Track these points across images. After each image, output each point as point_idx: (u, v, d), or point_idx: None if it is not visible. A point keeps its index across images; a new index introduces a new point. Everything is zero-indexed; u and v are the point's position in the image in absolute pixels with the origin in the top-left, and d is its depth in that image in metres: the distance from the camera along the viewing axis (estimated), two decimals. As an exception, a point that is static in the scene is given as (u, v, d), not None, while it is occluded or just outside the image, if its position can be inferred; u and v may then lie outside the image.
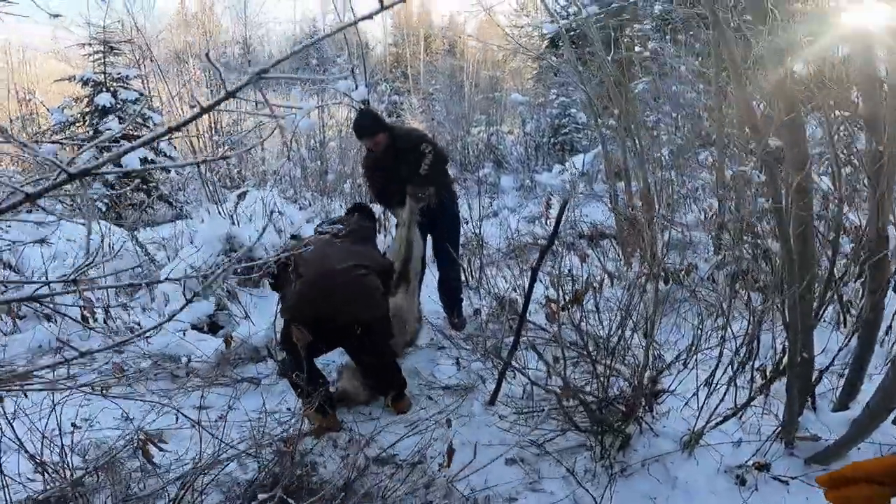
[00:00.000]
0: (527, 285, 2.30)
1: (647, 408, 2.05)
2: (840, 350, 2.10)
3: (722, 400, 2.03)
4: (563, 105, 9.94)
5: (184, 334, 3.08)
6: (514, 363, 2.20)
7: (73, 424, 2.23)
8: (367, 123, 3.21)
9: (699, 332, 2.17)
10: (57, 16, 1.39)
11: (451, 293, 3.46)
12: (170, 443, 1.96)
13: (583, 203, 6.91)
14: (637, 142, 4.58)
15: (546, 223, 6.03)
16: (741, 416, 2.13)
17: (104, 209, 7.77)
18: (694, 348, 2.20)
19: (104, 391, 1.53)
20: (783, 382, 2.01)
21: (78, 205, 7.52)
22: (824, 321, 3.01)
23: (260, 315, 3.39)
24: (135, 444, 1.76)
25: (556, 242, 4.98)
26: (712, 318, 2.58)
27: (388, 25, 29.73)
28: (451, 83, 14.32)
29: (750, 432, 2.11)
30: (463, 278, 3.87)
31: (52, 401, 1.69)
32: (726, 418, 2.00)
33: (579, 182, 7.94)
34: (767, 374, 2.09)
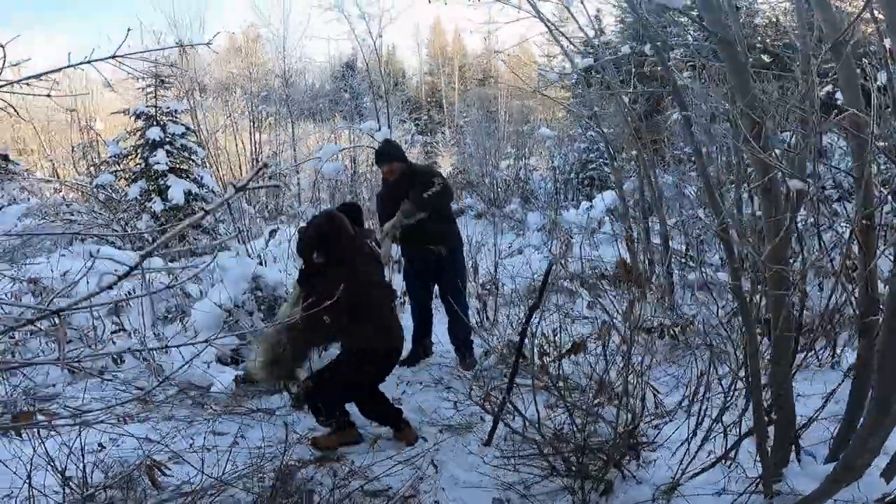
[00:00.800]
0: (536, 329, 2.43)
1: (631, 456, 2.11)
2: (823, 406, 2.12)
3: (699, 449, 2.07)
4: (591, 139, 10.03)
5: (208, 366, 3.32)
6: (505, 408, 2.31)
7: (100, 444, 2.47)
8: (386, 150, 3.54)
9: (699, 380, 2.24)
10: (70, 109, 1.62)
11: (461, 338, 3.57)
12: (185, 464, 2.15)
13: (606, 242, 6.94)
14: (654, 181, 4.64)
15: (566, 263, 6.08)
16: (730, 466, 2.17)
17: (151, 240, 8.30)
18: (692, 397, 2.26)
19: (126, 421, 1.72)
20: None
21: (128, 235, 8.07)
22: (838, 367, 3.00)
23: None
24: (142, 469, 1.94)
25: (576, 282, 5.09)
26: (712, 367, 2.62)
27: (424, 55, 30.61)
28: (481, 116, 14.62)
29: (737, 482, 2.14)
30: (477, 319, 3.98)
31: (79, 432, 1.89)
32: (704, 469, 2.03)
33: (605, 220, 7.97)
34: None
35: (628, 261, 4.10)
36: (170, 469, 2.09)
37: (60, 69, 1.52)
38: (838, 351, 3.11)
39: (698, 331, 3.15)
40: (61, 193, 11.19)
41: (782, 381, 1.83)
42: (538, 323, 2.46)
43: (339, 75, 18.71)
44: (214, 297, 3.59)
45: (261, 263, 4.02)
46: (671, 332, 3.08)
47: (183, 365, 1.51)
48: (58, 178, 12.90)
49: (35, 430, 1.98)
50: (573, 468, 2.01)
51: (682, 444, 2.17)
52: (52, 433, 2.09)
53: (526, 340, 2.38)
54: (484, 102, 18.01)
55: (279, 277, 3.84)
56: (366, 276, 2.66)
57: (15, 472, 1.91)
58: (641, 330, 2.27)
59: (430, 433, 2.79)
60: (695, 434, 2.17)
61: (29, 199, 10.74)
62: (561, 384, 2.09)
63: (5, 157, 12.49)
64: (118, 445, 2.58)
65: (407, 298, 4.06)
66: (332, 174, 4.78)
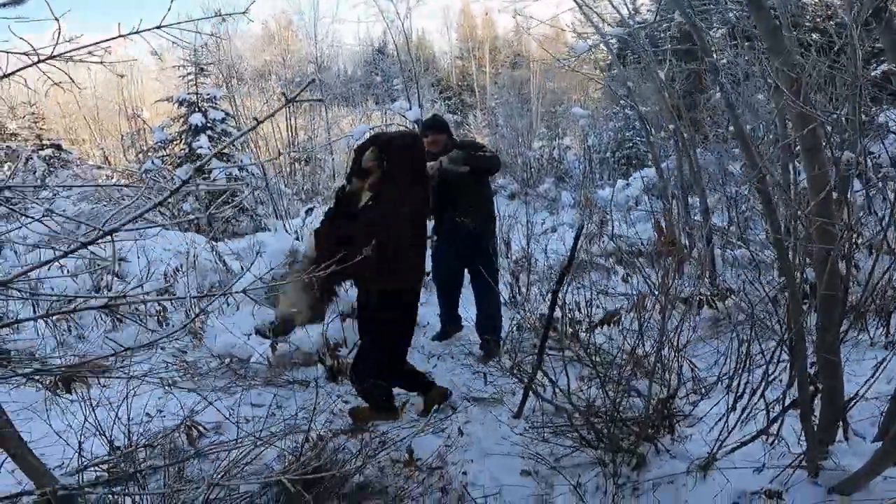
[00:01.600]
0: (567, 298, 2.39)
1: (665, 430, 2.07)
2: (871, 378, 2.01)
3: (738, 423, 2.01)
4: (627, 118, 9.77)
5: (248, 338, 3.44)
6: (536, 379, 2.30)
7: (147, 414, 2.60)
8: (434, 121, 3.48)
9: (739, 352, 2.16)
10: (137, 60, 1.69)
11: (488, 323, 3.42)
12: (224, 433, 2.25)
13: (643, 219, 6.79)
14: (694, 157, 4.50)
15: (601, 238, 5.98)
16: (771, 443, 2.09)
17: (196, 221, 8.65)
18: (732, 371, 2.19)
19: (169, 385, 1.81)
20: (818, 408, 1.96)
21: (176, 217, 8.45)
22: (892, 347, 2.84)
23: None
24: (181, 430, 2.04)
25: (611, 259, 5.01)
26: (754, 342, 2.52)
27: (454, 39, 30.26)
28: (512, 97, 14.42)
29: (780, 458, 2.06)
30: (509, 294, 3.96)
31: (127, 391, 2.00)
32: (744, 443, 1.97)
33: (643, 198, 7.79)
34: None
35: (666, 231, 3.99)
36: (207, 430, 2.18)
37: (111, 39, 1.59)
38: (892, 330, 2.95)
39: (740, 306, 3.05)
40: (113, 179, 11.74)
41: (829, 348, 1.74)
42: (567, 291, 2.42)
43: (371, 59, 18.80)
44: (254, 272, 3.70)
45: (297, 239, 4.12)
46: (711, 302, 2.98)
47: (213, 299, 1.55)
48: (109, 164, 13.52)
49: (87, 399, 2.08)
50: (604, 440, 1.99)
51: (720, 419, 2.11)
52: (103, 402, 2.20)
53: (557, 309, 2.35)
54: (516, 85, 17.74)
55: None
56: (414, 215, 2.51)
57: (67, 443, 2.02)
58: (678, 299, 2.20)
59: (461, 406, 2.82)
60: (734, 409, 2.10)
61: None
62: (593, 354, 2.05)
63: (58, 147, 13.19)
64: (163, 416, 2.68)
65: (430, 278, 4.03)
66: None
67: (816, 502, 1.82)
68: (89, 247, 1.03)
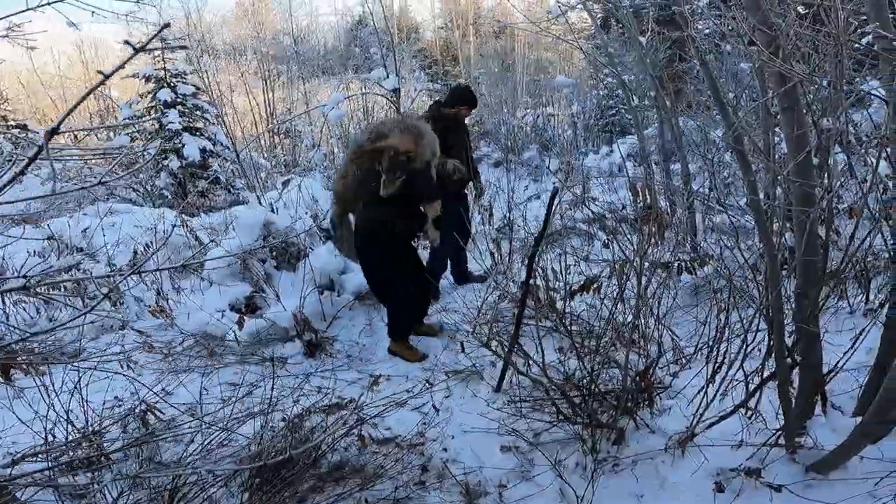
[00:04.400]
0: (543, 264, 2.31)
1: (644, 402, 2.02)
2: (849, 353, 1.95)
3: (716, 396, 1.96)
4: (611, 86, 9.62)
5: (222, 315, 3.34)
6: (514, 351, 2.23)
7: (116, 398, 2.51)
8: (473, 96, 3.76)
9: (718, 324, 2.09)
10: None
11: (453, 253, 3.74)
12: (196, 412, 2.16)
13: (625, 186, 6.73)
14: (675, 123, 4.41)
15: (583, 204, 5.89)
16: (750, 417, 2.05)
17: (169, 196, 8.42)
18: (711, 341, 2.12)
19: (128, 367, 1.71)
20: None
21: (149, 193, 8.21)
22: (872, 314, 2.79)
23: (292, 297, 3.59)
24: (136, 415, 1.95)
25: (594, 226, 4.95)
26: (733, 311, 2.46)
27: (436, 8, 29.48)
28: (495, 66, 14.15)
29: (758, 434, 2.00)
30: (490, 263, 3.90)
31: (79, 376, 1.89)
32: (722, 418, 1.92)
33: (626, 165, 7.71)
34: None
35: (647, 199, 3.94)
36: (163, 413, 2.11)
37: (19, 13, 1.56)
38: (871, 297, 2.92)
39: (721, 272, 2.99)
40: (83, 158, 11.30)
41: (809, 316, 1.69)
42: (545, 257, 2.34)
43: (349, 29, 18.27)
44: (227, 246, 3.58)
45: (272, 211, 4.00)
46: (691, 267, 2.92)
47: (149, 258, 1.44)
48: (78, 143, 13.05)
49: (46, 386, 1.98)
50: (580, 414, 1.93)
51: (699, 391, 2.05)
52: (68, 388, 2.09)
53: (534, 278, 2.27)
54: (500, 55, 17.40)
55: (290, 223, 3.84)
56: None
57: (36, 433, 1.94)
58: (658, 265, 2.13)
59: (439, 380, 2.76)
60: (712, 380, 2.05)
61: (52, 164, 10.91)
62: (569, 323, 1.97)
63: (24, 127, 12.66)
64: (136, 399, 2.59)
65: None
66: (335, 121, 4.67)
67: (795, 481, 1.79)
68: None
